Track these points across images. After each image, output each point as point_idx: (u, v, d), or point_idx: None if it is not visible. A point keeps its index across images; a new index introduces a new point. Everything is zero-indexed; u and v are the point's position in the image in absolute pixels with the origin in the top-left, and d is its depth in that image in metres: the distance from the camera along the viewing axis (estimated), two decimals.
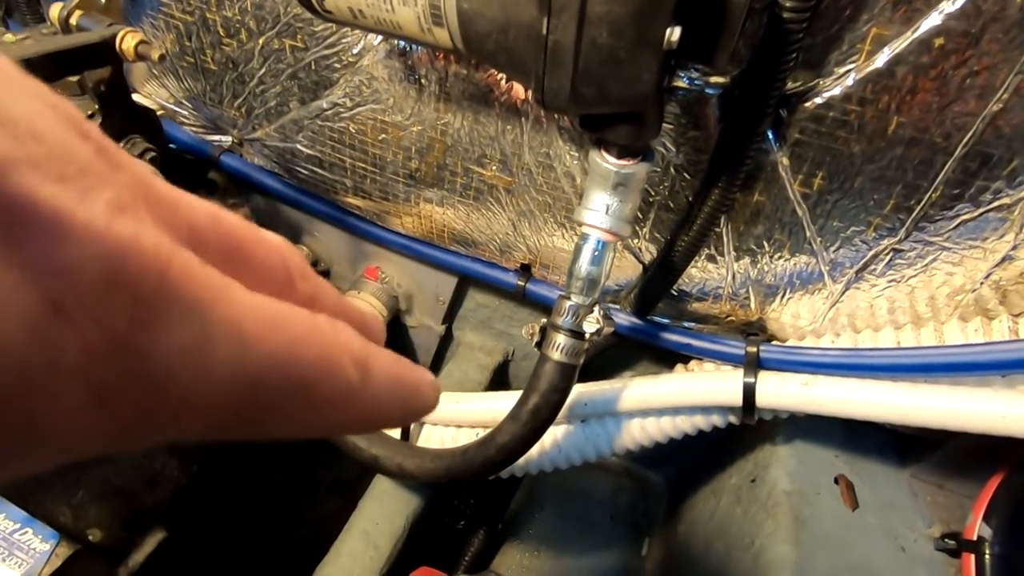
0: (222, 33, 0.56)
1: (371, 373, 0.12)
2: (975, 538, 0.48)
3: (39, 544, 0.37)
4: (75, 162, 0.09)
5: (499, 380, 0.79)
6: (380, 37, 0.50)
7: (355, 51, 0.52)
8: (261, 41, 0.55)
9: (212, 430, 0.11)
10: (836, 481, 0.56)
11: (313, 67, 0.55)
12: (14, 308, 0.08)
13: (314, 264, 0.76)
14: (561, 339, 0.43)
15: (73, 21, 0.48)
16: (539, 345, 0.45)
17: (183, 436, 0.10)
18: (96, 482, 0.39)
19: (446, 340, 0.80)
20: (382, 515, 0.61)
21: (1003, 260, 0.42)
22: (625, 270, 0.57)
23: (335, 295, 0.15)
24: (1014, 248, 0.41)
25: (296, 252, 0.14)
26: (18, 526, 0.39)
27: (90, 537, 0.39)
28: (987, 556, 0.47)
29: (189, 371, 0.09)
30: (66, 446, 0.09)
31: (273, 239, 0.13)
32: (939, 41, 0.35)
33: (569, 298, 0.43)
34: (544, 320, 0.45)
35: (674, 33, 0.31)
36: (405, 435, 0.59)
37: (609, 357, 0.69)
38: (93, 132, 0.10)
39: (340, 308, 0.15)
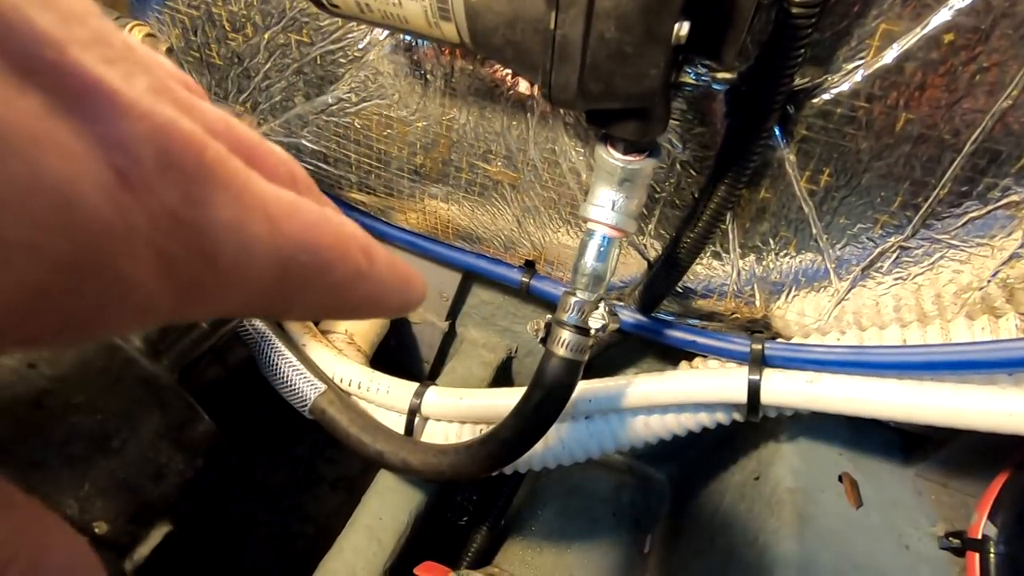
0: (228, 28, 0.56)
1: (374, 260, 0.13)
2: (980, 537, 0.48)
3: None
4: (114, 47, 0.09)
5: (502, 377, 0.79)
6: (386, 32, 0.50)
7: (361, 46, 0.52)
8: (267, 36, 0.55)
9: (249, 306, 0.11)
10: (840, 479, 0.55)
11: (319, 62, 0.55)
12: (91, 173, 0.08)
13: None
14: (566, 335, 0.43)
15: None
16: (544, 341, 0.45)
17: (225, 311, 0.11)
18: (102, 475, 0.39)
19: (449, 337, 0.80)
20: (385, 510, 0.61)
21: (1011, 258, 0.42)
22: (630, 267, 0.57)
23: (339, 213, 0.16)
24: (1022, 246, 0.41)
25: (300, 167, 0.14)
26: None
27: (96, 530, 0.39)
28: (992, 555, 0.47)
29: (233, 246, 0.10)
30: (143, 308, 0.09)
31: (280, 151, 0.14)
32: (949, 37, 0.35)
33: (574, 294, 0.43)
34: (549, 316, 0.45)
35: (683, 28, 0.31)
36: (409, 431, 0.59)
37: (613, 354, 0.69)
38: (115, 26, 0.10)
39: None
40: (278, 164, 0.13)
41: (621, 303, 0.60)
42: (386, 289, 0.14)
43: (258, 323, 0.60)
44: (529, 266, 0.62)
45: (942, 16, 0.34)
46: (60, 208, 0.08)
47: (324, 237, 0.12)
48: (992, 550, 0.47)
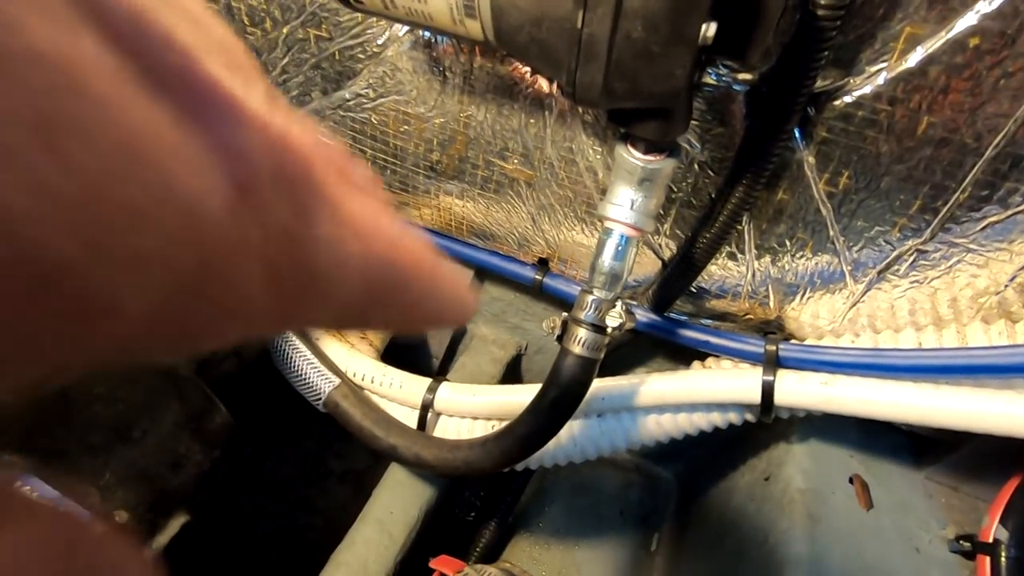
0: (246, 22, 0.57)
1: (442, 279, 0.14)
2: (991, 540, 0.48)
3: None
4: (235, 54, 0.10)
5: (512, 374, 0.79)
6: (405, 28, 0.51)
7: (380, 42, 0.52)
8: (285, 30, 0.55)
9: (336, 320, 0.12)
10: (851, 481, 0.56)
11: (337, 57, 0.55)
12: (216, 187, 0.08)
13: None
14: (583, 333, 0.44)
15: None
16: (560, 339, 0.45)
17: (315, 324, 0.11)
18: (123, 464, 0.40)
19: (460, 333, 0.81)
20: (397, 504, 0.61)
21: None
22: (644, 266, 0.57)
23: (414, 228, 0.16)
24: None
25: (381, 184, 0.15)
26: None
27: (116, 519, 0.39)
28: (1003, 558, 0.47)
29: (331, 262, 0.10)
30: (248, 321, 0.10)
31: (364, 167, 0.14)
32: (974, 41, 0.35)
33: (591, 292, 0.44)
34: (565, 314, 0.45)
35: (710, 29, 0.31)
36: (422, 426, 0.60)
37: (625, 353, 0.69)
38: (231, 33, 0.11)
39: None
40: (362, 180, 0.13)
41: (634, 302, 0.60)
42: (447, 306, 0.14)
43: None
44: (543, 264, 0.62)
45: (968, 20, 0.34)
46: (189, 221, 0.08)
47: (405, 256, 0.12)
48: (1003, 554, 0.47)
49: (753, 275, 0.52)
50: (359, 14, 0.51)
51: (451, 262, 0.15)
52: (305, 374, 0.59)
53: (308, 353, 0.59)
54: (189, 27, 0.09)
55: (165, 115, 0.08)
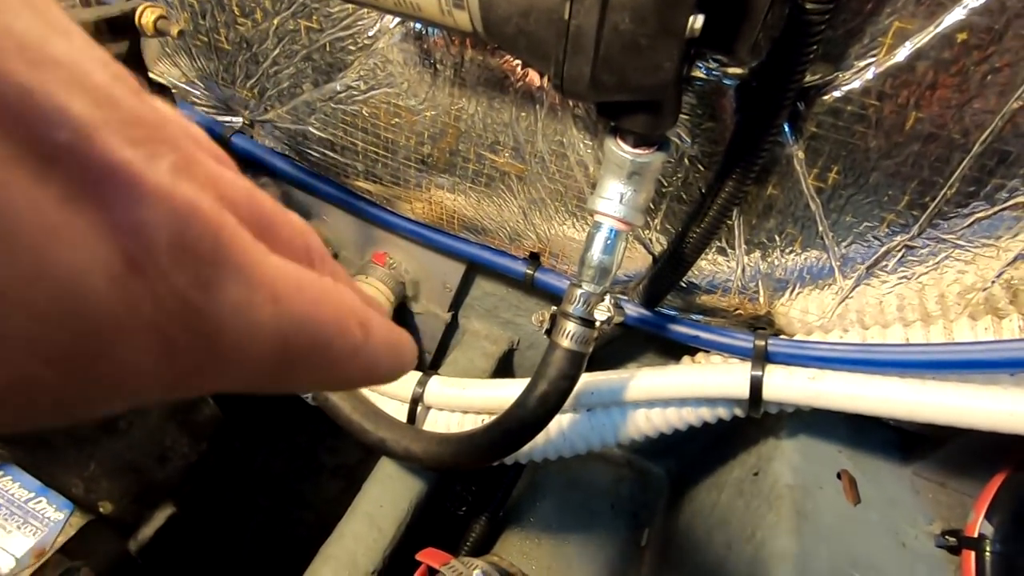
0: (237, 12, 0.56)
1: (371, 333, 0.13)
2: (976, 535, 0.48)
3: (53, 513, 0.38)
4: (143, 126, 0.09)
5: (504, 369, 0.79)
6: (396, 20, 0.50)
7: (370, 34, 0.52)
8: (276, 21, 0.55)
9: (247, 384, 0.11)
10: (839, 476, 0.56)
11: (328, 49, 0.55)
12: (100, 262, 0.08)
13: None
14: (571, 327, 0.44)
15: None
16: (549, 332, 0.45)
17: (219, 389, 0.11)
18: (108, 456, 0.39)
19: (452, 327, 0.81)
20: (386, 498, 0.61)
21: (1016, 259, 0.42)
22: (635, 261, 0.57)
23: (348, 279, 0.16)
24: None
25: (316, 237, 0.14)
26: (33, 495, 0.39)
27: (101, 509, 0.39)
28: (987, 553, 0.47)
29: (237, 329, 0.10)
30: (136, 392, 0.09)
31: (298, 221, 0.14)
32: (962, 36, 0.35)
33: (580, 286, 0.44)
34: (554, 308, 0.45)
35: (697, 21, 0.31)
36: (411, 419, 0.60)
37: (616, 348, 0.69)
38: (148, 99, 0.10)
39: (353, 289, 0.16)
40: (294, 236, 0.13)
41: (625, 297, 0.60)
42: (379, 361, 0.14)
43: None
44: (534, 258, 0.62)
45: (956, 15, 0.34)
46: (63, 300, 0.08)
47: (325, 313, 0.12)
48: (988, 549, 0.47)
49: (743, 270, 0.52)
50: (350, 5, 0.50)
51: (385, 318, 0.15)
52: None
53: None
54: (88, 102, 0.09)
55: (51, 196, 0.08)
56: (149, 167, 0.09)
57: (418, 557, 0.48)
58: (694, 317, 0.58)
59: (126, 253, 0.08)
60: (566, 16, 0.31)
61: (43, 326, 0.08)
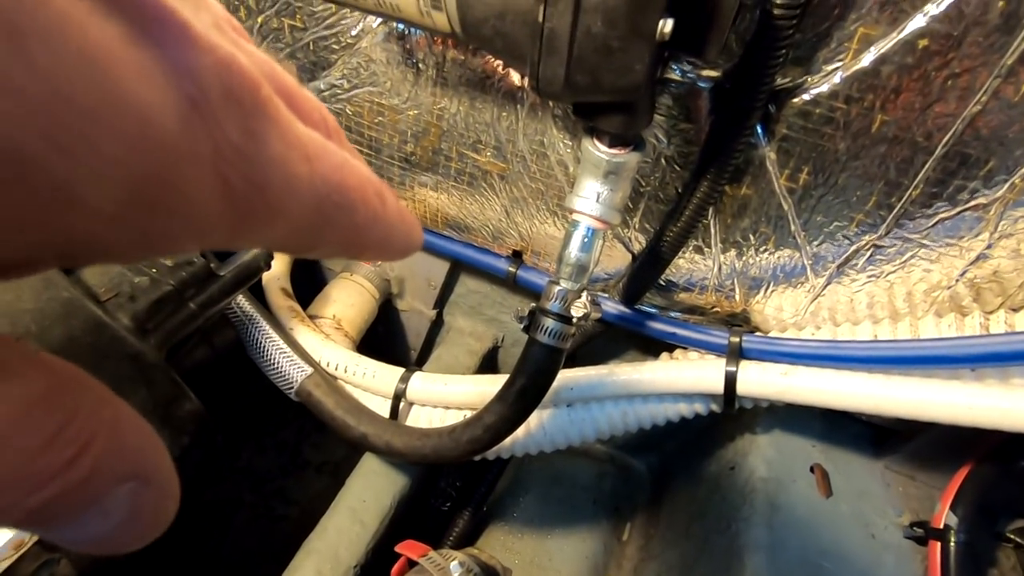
0: None
1: (387, 204, 0.14)
2: (942, 526, 0.50)
3: None
4: None
5: (488, 366, 0.80)
6: (379, 20, 0.51)
7: (353, 33, 0.53)
8: (260, 20, 0.55)
9: (289, 238, 0.12)
10: (812, 470, 0.57)
11: (311, 48, 0.55)
12: (169, 100, 0.09)
13: None
14: (549, 323, 0.44)
15: None
16: (527, 329, 0.46)
17: (270, 240, 0.12)
18: None
19: (437, 325, 0.81)
20: (369, 493, 0.62)
21: (978, 258, 0.43)
22: (615, 259, 0.58)
23: (361, 159, 0.17)
24: (989, 247, 0.42)
25: (332, 115, 0.15)
26: None
27: None
28: (952, 543, 0.49)
29: (280, 180, 0.11)
30: (204, 231, 0.10)
31: (314, 98, 0.15)
32: (923, 42, 0.36)
33: (558, 283, 0.44)
34: (533, 304, 0.46)
35: (667, 25, 0.31)
36: (394, 415, 0.60)
37: (597, 345, 0.70)
38: None
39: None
40: (312, 109, 0.14)
41: (606, 294, 0.61)
42: (395, 231, 0.15)
43: (246, 305, 0.60)
44: (516, 256, 0.63)
45: (917, 22, 0.36)
46: (143, 127, 0.09)
47: (350, 179, 0.13)
48: (952, 539, 0.49)
49: (719, 269, 0.53)
50: (333, 5, 0.51)
51: (395, 194, 0.16)
52: (278, 363, 0.59)
53: (281, 342, 0.59)
54: None
55: (117, 33, 0.08)
56: (195, 18, 0.10)
57: (397, 549, 0.49)
58: (673, 315, 0.59)
59: (186, 93, 0.09)
60: (540, 19, 0.32)
61: (131, 151, 0.08)
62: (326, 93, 0.57)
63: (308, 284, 0.75)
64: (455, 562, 0.46)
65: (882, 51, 0.37)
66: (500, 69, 0.49)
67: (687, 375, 0.52)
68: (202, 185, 0.10)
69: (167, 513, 0.12)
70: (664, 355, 0.61)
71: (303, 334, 0.63)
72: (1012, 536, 0.50)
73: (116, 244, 0.09)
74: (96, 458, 0.10)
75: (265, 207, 0.11)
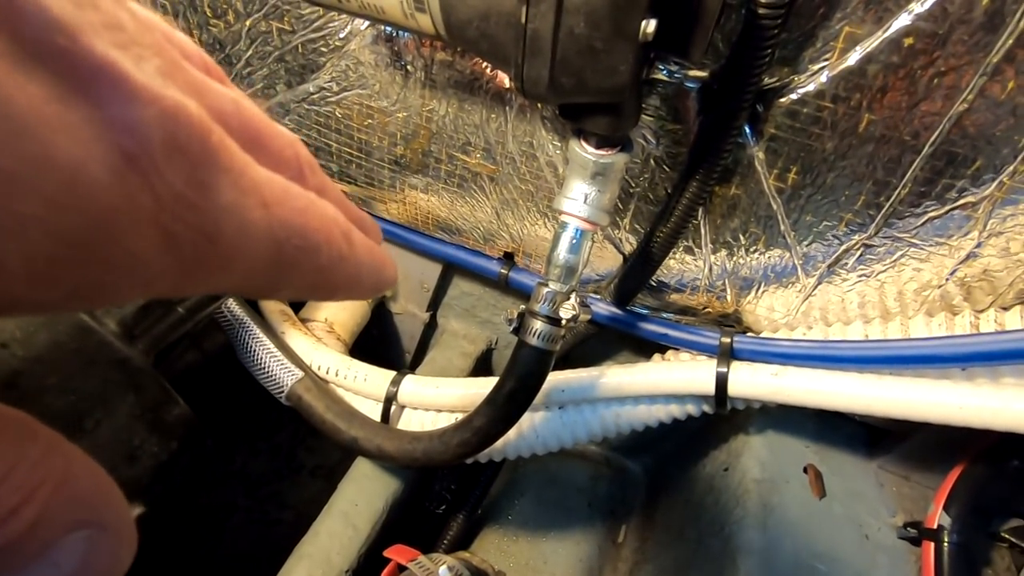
0: (209, 14, 0.56)
1: (354, 244, 0.14)
2: (935, 527, 0.49)
3: None
4: (125, 30, 0.10)
5: (482, 368, 0.80)
6: (367, 22, 0.51)
7: (342, 35, 0.52)
8: (248, 23, 0.55)
9: (245, 283, 0.12)
10: (805, 471, 0.57)
11: (300, 50, 0.55)
12: (99, 155, 0.09)
13: None
14: (538, 325, 0.44)
15: None
16: (516, 331, 0.46)
17: (224, 287, 0.12)
18: None
19: (430, 327, 0.81)
20: (362, 497, 0.61)
21: (968, 257, 0.43)
22: (606, 260, 0.58)
23: (338, 192, 0.16)
24: (978, 246, 0.42)
25: (304, 147, 0.15)
26: None
27: None
28: (945, 544, 0.48)
29: (232, 227, 0.11)
30: (148, 282, 0.10)
31: (287, 133, 0.14)
32: (909, 41, 0.36)
33: (547, 285, 0.44)
34: (522, 306, 0.46)
35: (650, 25, 0.31)
36: (386, 419, 0.60)
37: (590, 347, 0.70)
38: (129, 5, 0.11)
39: (342, 203, 0.16)
40: (284, 146, 0.14)
41: (597, 296, 0.61)
42: (363, 271, 0.15)
43: (236, 309, 0.60)
44: (508, 258, 0.63)
45: (902, 20, 0.35)
46: (69, 186, 0.08)
47: (312, 221, 0.13)
48: (946, 539, 0.48)
49: (710, 269, 0.53)
50: (320, 8, 0.51)
51: (369, 227, 0.16)
52: (268, 367, 0.59)
53: (271, 346, 0.59)
54: (80, 9, 0.09)
55: (44, 91, 0.08)
56: (136, 69, 0.09)
57: (386, 554, 0.49)
58: (665, 316, 0.59)
59: (122, 149, 0.09)
60: (523, 20, 0.32)
61: (54, 210, 0.08)
62: (315, 96, 0.57)
63: None
64: (444, 567, 0.46)
65: (868, 50, 0.37)
66: (488, 71, 0.49)
67: (678, 376, 0.52)
68: (142, 238, 0.09)
69: (123, 561, 0.12)
70: (656, 356, 0.61)
71: (294, 338, 0.63)
72: (1006, 536, 0.50)
73: (44, 301, 0.09)
74: (42, 507, 0.10)
75: (216, 256, 0.11)
